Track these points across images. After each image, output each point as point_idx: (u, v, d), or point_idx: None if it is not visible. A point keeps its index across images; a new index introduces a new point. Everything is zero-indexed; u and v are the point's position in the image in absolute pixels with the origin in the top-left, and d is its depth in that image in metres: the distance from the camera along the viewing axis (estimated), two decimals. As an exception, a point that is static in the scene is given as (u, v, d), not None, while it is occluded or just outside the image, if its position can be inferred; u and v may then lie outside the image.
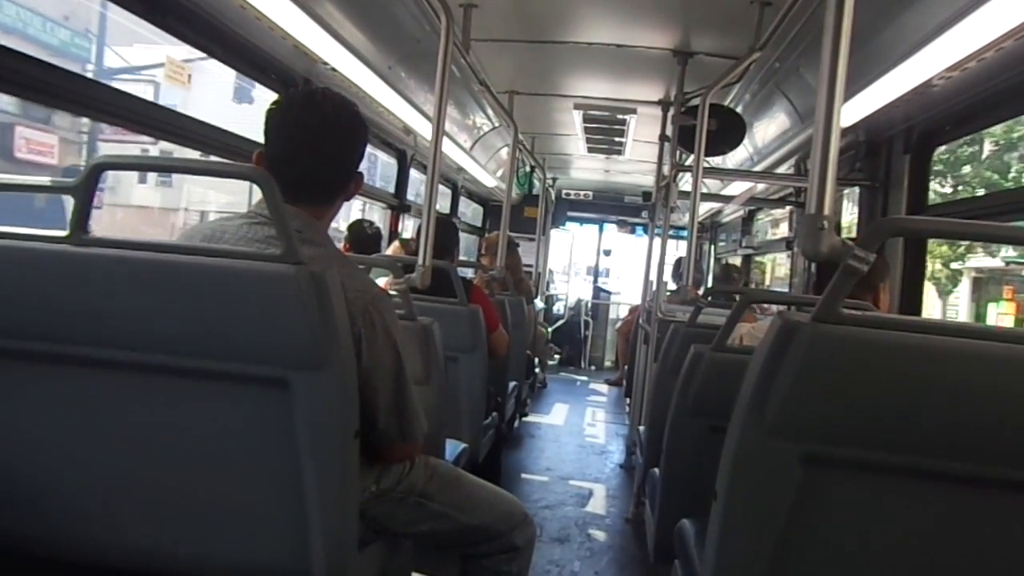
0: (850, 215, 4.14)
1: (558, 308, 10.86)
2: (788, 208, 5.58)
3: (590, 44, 3.95)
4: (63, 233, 1.39)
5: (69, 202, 1.42)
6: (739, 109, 4.42)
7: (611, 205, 9.84)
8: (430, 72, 2.81)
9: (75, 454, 1.44)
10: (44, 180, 1.53)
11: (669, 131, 4.41)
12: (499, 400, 4.04)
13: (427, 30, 3.46)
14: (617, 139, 6.19)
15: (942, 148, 3.43)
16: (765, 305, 4.43)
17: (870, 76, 2.72)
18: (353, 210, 6.17)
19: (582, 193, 9.73)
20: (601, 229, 10.59)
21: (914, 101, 2.86)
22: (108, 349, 1.39)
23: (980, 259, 12.69)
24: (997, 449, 1.19)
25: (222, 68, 2.99)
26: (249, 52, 2.95)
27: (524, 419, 6.22)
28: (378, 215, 5.47)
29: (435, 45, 2.65)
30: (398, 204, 5.13)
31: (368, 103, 3.63)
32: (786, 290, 6.31)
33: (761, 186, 5.46)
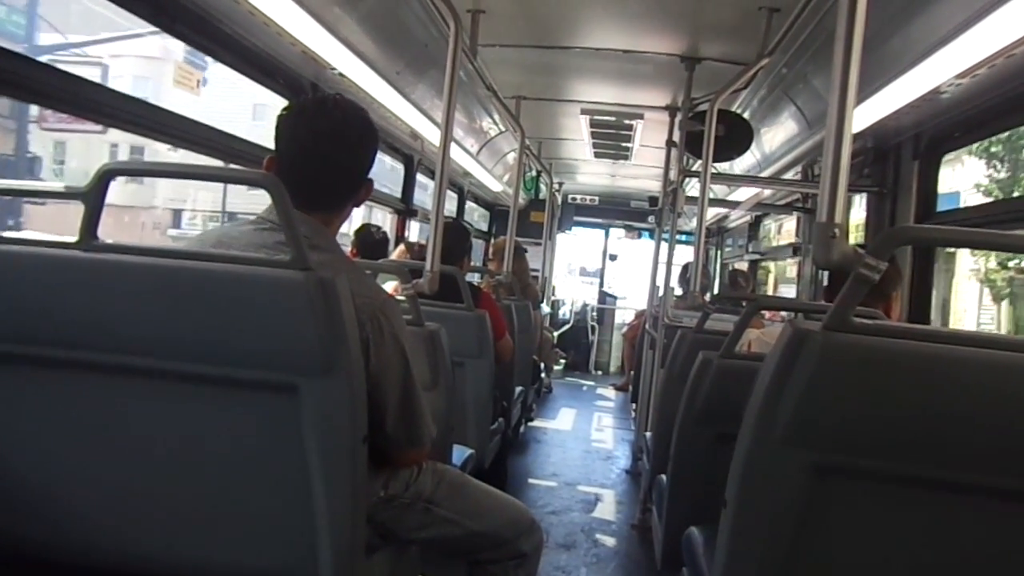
0: (857, 216, 4.12)
1: (564, 313, 10.85)
2: (795, 214, 5.57)
3: (597, 49, 3.95)
4: (72, 239, 1.39)
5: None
6: (746, 115, 4.41)
7: (617, 210, 9.83)
8: (437, 77, 2.81)
9: (83, 459, 1.44)
10: (52, 186, 1.53)
11: (676, 137, 4.40)
12: (505, 405, 4.04)
13: (435, 35, 3.47)
14: (624, 144, 6.18)
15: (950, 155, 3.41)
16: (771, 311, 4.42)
17: (879, 82, 2.71)
18: (357, 215, 6.18)
19: (588, 198, 9.72)
20: (607, 234, 10.59)
21: (923, 107, 2.85)
22: (117, 355, 1.39)
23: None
24: (1012, 460, 1.18)
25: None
26: (257, 57, 2.96)
27: (530, 424, 6.21)
28: (385, 220, 5.47)
29: (442, 50, 2.65)
30: (404, 209, 5.14)
31: (375, 108, 3.63)
32: (791, 295, 6.30)
33: (768, 192, 5.45)
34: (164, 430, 1.42)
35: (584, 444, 6.07)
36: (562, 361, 9.83)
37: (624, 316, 10.50)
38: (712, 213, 7.18)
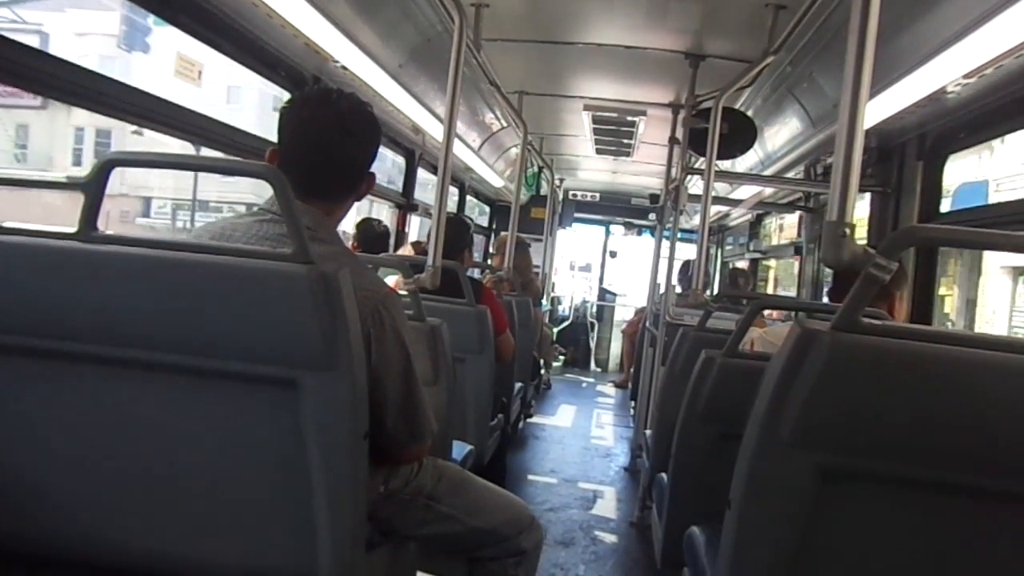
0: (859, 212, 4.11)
1: (563, 309, 10.84)
2: (797, 212, 5.56)
3: (601, 45, 3.94)
4: (72, 230, 1.38)
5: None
6: (750, 112, 4.39)
7: (618, 207, 9.82)
8: (440, 71, 2.80)
9: (81, 453, 1.42)
10: (54, 176, 1.51)
11: (679, 134, 4.39)
12: (505, 401, 4.03)
13: (438, 29, 3.45)
14: (626, 141, 6.17)
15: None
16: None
17: (885, 82, 2.70)
18: (358, 209, 6.16)
19: (589, 194, 9.71)
20: (608, 231, 10.58)
21: (928, 107, 2.84)
22: (116, 347, 1.38)
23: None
24: (1020, 463, 1.17)
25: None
26: (260, 49, 2.94)
27: (529, 420, 6.21)
28: (385, 214, 5.46)
29: (445, 44, 2.64)
30: (406, 203, 5.12)
31: (377, 101, 3.62)
32: (789, 294, 6.30)
33: (770, 190, 5.44)
34: (162, 424, 1.41)
35: (583, 441, 6.07)
36: (561, 357, 9.83)
37: (624, 313, 10.50)
38: (713, 211, 7.17)
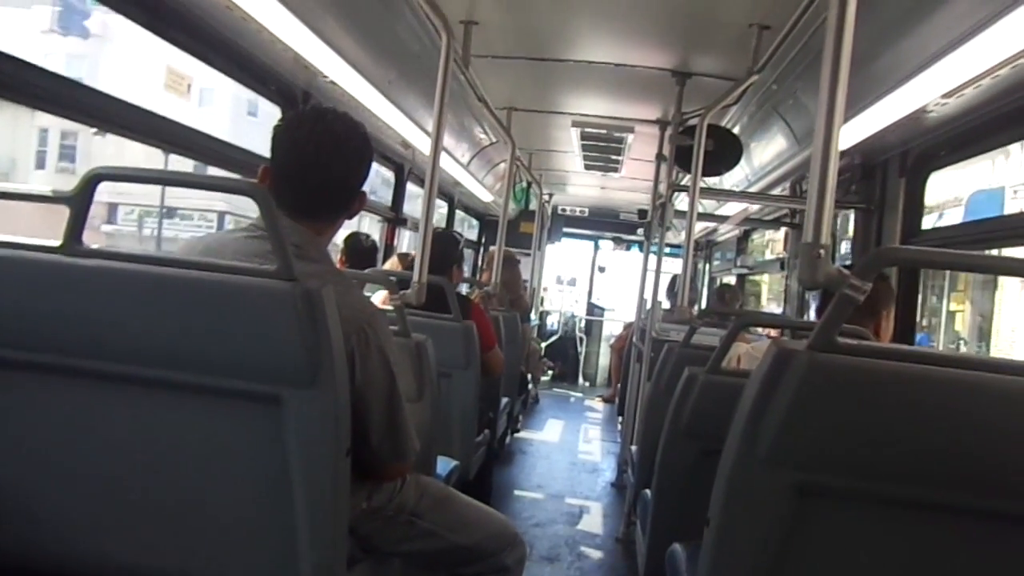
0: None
1: (552, 324, 10.85)
2: (783, 229, 5.59)
3: (589, 63, 3.97)
4: (56, 243, 1.38)
5: None
6: (736, 130, 4.43)
7: (607, 222, 9.86)
8: (429, 87, 2.81)
9: (64, 465, 1.42)
10: (39, 190, 1.52)
11: (666, 150, 4.42)
12: (491, 416, 4.03)
13: (427, 46, 3.47)
14: (614, 157, 6.20)
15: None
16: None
17: (867, 100, 2.74)
18: (347, 224, 6.14)
19: (578, 209, 9.74)
20: (596, 246, 10.61)
21: (909, 126, 2.87)
22: (100, 361, 1.38)
23: None
24: (994, 481, 1.18)
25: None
26: (249, 64, 2.95)
27: (516, 435, 6.20)
28: (373, 227, 5.46)
29: (435, 61, 2.66)
30: (394, 218, 5.13)
31: (367, 117, 3.63)
32: (779, 309, 6.32)
33: (756, 206, 5.48)
34: (145, 438, 1.41)
35: (570, 456, 6.06)
36: (549, 372, 9.83)
37: (612, 328, 10.51)
38: (701, 227, 7.22)
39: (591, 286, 10.98)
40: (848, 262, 3.91)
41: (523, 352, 5.91)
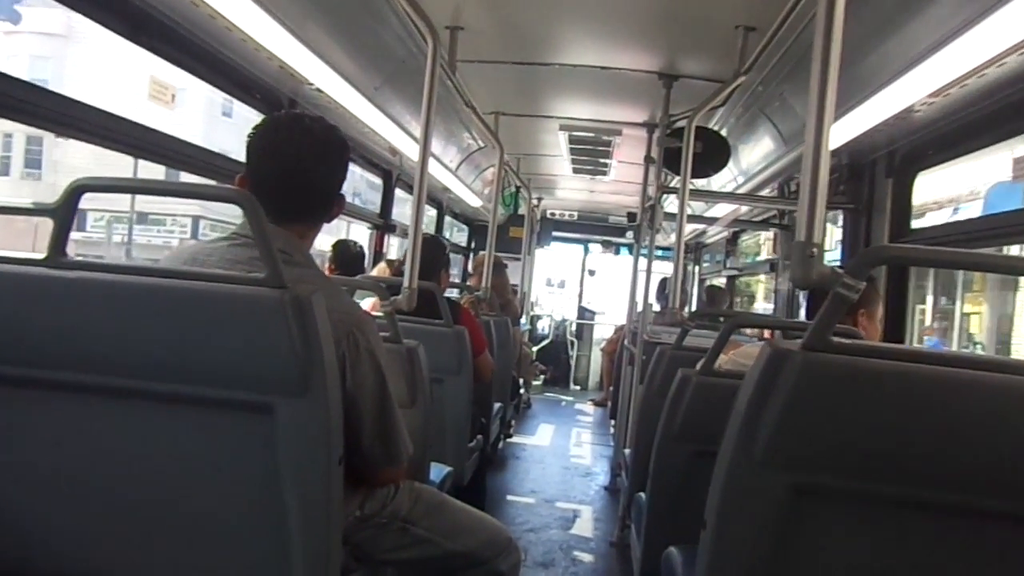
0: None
1: (543, 328, 10.85)
2: (772, 230, 5.61)
3: (576, 66, 3.97)
4: (40, 256, 1.36)
5: None
6: (724, 132, 4.44)
7: (596, 225, 9.87)
8: (416, 93, 2.81)
9: (53, 478, 1.41)
10: (21, 203, 1.50)
11: (654, 153, 4.42)
12: (484, 422, 4.02)
13: (413, 51, 3.46)
14: (602, 160, 6.21)
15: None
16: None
17: (854, 100, 2.74)
18: (335, 229, 6.14)
19: (567, 213, 9.75)
20: (586, 249, 10.61)
21: (897, 125, 2.88)
22: (87, 374, 1.36)
23: None
24: (989, 480, 1.18)
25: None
26: (235, 73, 2.93)
27: (509, 440, 6.19)
28: (363, 234, 5.44)
29: (421, 66, 2.65)
30: (383, 224, 5.12)
31: (354, 123, 3.62)
32: (770, 309, 6.34)
33: (745, 208, 5.49)
34: (136, 450, 1.39)
35: (563, 460, 6.05)
36: (541, 376, 9.82)
37: (603, 331, 10.51)
38: (690, 229, 7.23)
39: (581, 290, 10.98)
40: (835, 262, 3.91)
41: (515, 356, 5.90)
